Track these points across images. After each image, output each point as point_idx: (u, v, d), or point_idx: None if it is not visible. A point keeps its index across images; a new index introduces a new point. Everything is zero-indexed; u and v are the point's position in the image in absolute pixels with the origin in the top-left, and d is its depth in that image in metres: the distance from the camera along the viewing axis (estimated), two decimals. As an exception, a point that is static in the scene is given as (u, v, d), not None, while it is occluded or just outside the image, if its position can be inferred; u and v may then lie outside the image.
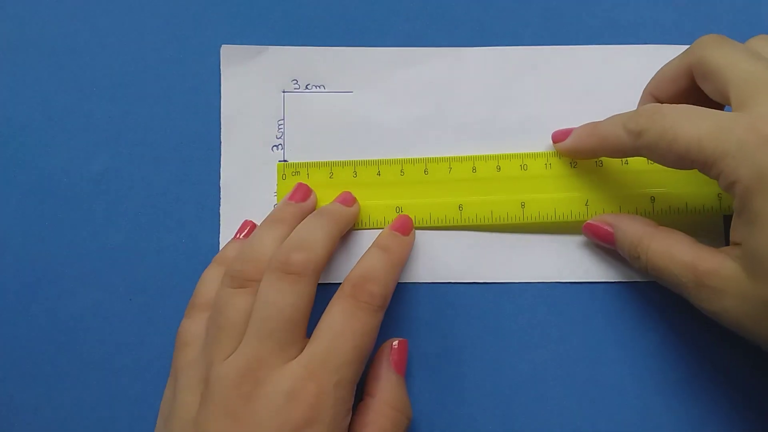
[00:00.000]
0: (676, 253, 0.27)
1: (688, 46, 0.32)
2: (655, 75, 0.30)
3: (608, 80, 0.33)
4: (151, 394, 0.30)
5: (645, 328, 0.31)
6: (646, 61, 0.32)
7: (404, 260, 0.31)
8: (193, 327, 0.28)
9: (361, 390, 0.29)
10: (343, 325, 0.26)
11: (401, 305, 0.31)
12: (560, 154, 0.31)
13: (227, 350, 0.25)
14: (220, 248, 0.32)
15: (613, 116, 0.28)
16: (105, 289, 0.32)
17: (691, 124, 0.25)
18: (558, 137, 0.31)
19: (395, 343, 0.30)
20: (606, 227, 0.30)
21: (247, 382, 0.24)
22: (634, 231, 0.29)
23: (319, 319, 0.26)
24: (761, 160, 0.23)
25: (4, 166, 0.33)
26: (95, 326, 0.32)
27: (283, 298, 0.25)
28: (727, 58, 0.26)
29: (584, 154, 0.30)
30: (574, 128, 0.31)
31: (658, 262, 0.27)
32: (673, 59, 0.29)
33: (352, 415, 0.27)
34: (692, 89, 0.28)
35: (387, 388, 0.28)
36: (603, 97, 0.33)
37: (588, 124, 0.30)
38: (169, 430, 0.26)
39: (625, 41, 0.33)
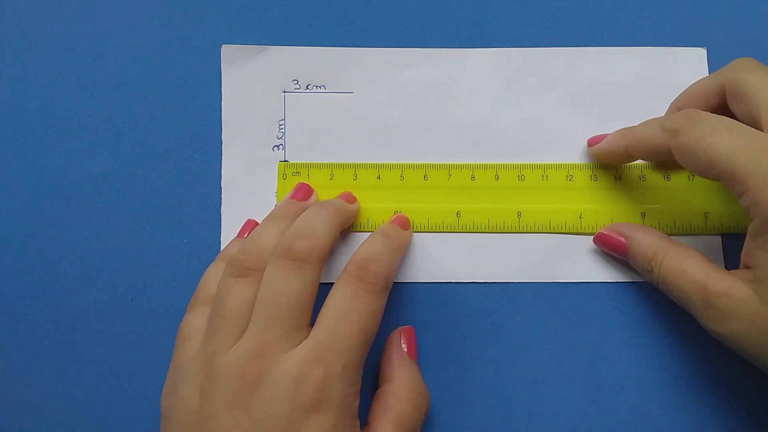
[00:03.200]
0: (688, 270, 0.27)
1: (687, 48, 0.32)
2: (684, 92, 0.30)
3: (608, 82, 0.33)
4: (152, 393, 0.30)
5: (645, 328, 0.31)
6: (645, 63, 0.33)
7: (404, 249, 0.31)
8: (195, 321, 0.28)
9: (375, 377, 0.29)
10: (348, 308, 0.25)
11: (401, 305, 0.31)
12: (595, 157, 0.32)
13: (230, 340, 0.25)
14: (222, 248, 0.32)
15: (648, 119, 0.29)
16: (106, 289, 0.32)
17: (729, 134, 0.25)
18: (593, 141, 0.32)
19: (403, 331, 0.30)
20: (619, 237, 0.30)
21: (253, 370, 0.24)
22: (649, 244, 0.29)
23: (322, 305, 0.26)
24: None
25: (4, 166, 0.33)
26: (96, 326, 0.31)
27: (288, 284, 0.25)
28: (761, 83, 0.26)
29: (617, 156, 0.30)
30: (608, 134, 0.31)
31: (669, 278, 0.27)
32: (705, 78, 0.29)
33: (372, 401, 0.28)
34: (719, 110, 0.28)
35: (404, 373, 0.28)
36: (602, 98, 0.33)
37: (621, 128, 0.30)
38: (171, 426, 0.25)
39: (624, 43, 0.33)
